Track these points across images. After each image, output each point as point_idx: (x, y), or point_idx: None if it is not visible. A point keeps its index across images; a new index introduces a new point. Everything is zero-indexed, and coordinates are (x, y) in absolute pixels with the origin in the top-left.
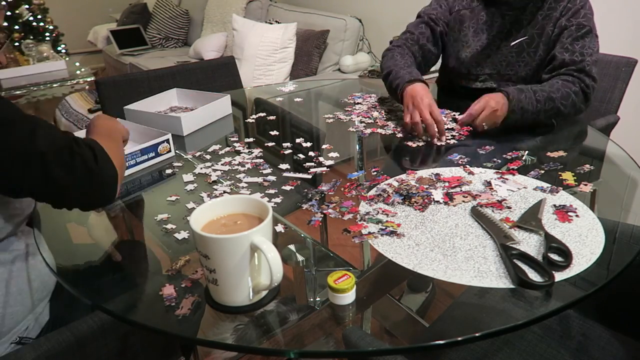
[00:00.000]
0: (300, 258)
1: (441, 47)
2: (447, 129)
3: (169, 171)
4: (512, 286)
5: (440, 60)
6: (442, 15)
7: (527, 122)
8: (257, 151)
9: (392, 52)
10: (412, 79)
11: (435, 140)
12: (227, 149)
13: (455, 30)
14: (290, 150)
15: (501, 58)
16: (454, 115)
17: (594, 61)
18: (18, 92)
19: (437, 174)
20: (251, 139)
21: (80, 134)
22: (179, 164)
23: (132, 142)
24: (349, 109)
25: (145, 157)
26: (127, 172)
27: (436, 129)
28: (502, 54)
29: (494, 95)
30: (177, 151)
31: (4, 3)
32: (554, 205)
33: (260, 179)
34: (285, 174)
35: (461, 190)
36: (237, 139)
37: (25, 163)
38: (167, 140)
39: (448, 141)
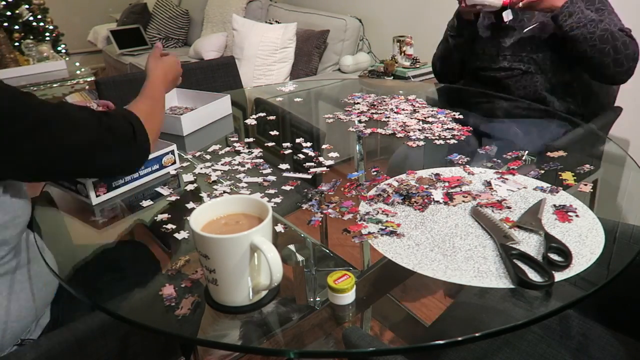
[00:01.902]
0: (300, 258)
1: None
2: (447, 128)
3: (172, 172)
4: (512, 286)
5: None
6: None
7: (578, 42)
8: (257, 151)
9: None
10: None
11: None
12: (227, 149)
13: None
14: (290, 150)
15: (515, 43)
16: (454, 115)
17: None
18: None
19: (437, 174)
20: (251, 139)
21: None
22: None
23: None
24: (349, 109)
25: (149, 169)
26: (128, 187)
27: None
28: (516, 40)
29: None
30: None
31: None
32: (554, 205)
33: (260, 179)
34: (285, 174)
35: (461, 190)
36: (237, 139)
37: (72, 156)
38: (172, 152)
39: (448, 141)
